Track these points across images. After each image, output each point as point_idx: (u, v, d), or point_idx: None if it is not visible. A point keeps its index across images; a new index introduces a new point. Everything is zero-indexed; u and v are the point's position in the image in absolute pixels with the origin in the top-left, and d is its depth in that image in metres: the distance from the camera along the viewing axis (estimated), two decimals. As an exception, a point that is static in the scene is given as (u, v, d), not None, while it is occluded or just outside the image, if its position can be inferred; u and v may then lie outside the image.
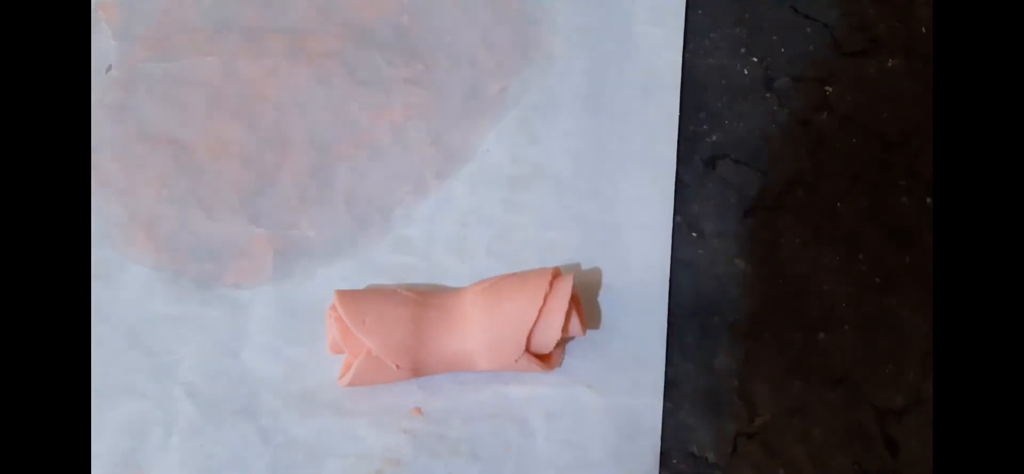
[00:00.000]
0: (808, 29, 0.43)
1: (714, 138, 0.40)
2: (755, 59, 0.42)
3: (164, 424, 0.34)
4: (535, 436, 0.34)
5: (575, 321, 0.34)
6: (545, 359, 0.34)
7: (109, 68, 0.42)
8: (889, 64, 0.42)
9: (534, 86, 0.42)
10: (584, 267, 0.37)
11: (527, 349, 0.33)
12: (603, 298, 0.37)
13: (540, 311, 0.33)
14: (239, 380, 0.35)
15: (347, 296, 0.34)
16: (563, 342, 0.35)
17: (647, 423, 0.34)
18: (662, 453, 0.34)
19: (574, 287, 0.35)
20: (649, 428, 0.34)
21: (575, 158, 0.40)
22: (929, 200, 0.39)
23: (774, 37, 0.43)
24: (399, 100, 0.42)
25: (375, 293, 0.34)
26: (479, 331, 0.33)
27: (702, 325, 0.37)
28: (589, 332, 0.35)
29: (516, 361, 0.34)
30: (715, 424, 0.35)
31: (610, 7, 0.44)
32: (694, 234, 0.38)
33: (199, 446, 0.34)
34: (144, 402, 0.35)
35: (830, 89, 0.42)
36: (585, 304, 0.36)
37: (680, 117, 0.41)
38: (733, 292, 0.38)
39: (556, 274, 0.34)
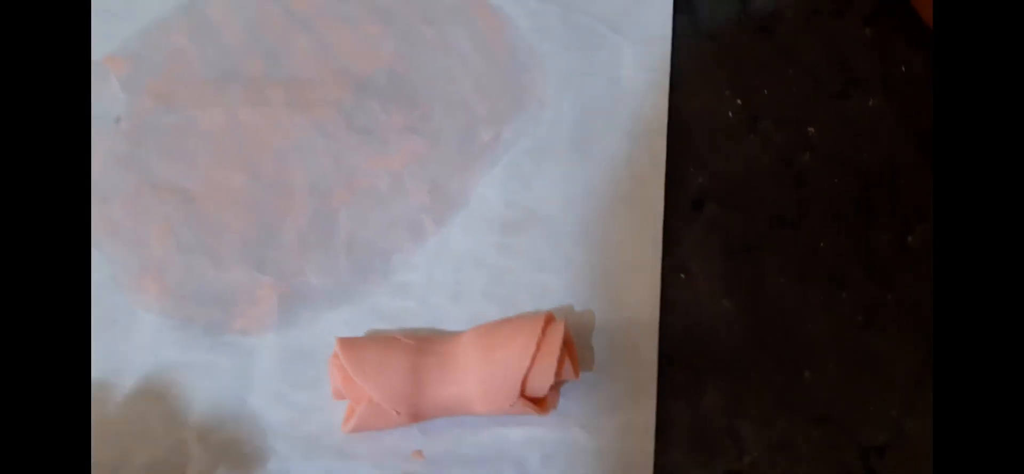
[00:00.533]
0: (790, 71, 0.44)
1: (700, 181, 0.42)
2: (739, 101, 0.43)
3: (177, 469, 0.36)
4: (531, 475, 0.36)
5: (568, 365, 0.36)
6: (540, 403, 0.36)
7: (118, 119, 0.44)
8: (870, 104, 0.43)
9: (526, 132, 0.43)
10: (576, 309, 0.39)
11: (522, 394, 0.35)
12: (595, 340, 0.38)
13: (533, 357, 0.35)
14: (247, 424, 0.37)
15: (348, 345, 0.35)
16: (557, 385, 0.36)
17: (639, 463, 0.36)
18: None
19: (567, 331, 0.36)
20: (641, 468, 0.36)
21: (566, 202, 0.41)
22: (910, 238, 0.41)
23: (757, 80, 0.44)
24: (396, 147, 0.43)
25: (375, 341, 0.36)
26: (475, 378, 0.35)
27: (690, 365, 0.38)
28: (583, 374, 0.37)
29: (511, 406, 0.35)
30: (705, 462, 0.37)
31: (597, 53, 0.45)
32: (682, 275, 0.40)
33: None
34: (157, 448, 0.36)
35: (812, 129, 0.43)
36: (578, 346, 0.38)
37: (667, 159, 0.42)
38: (720, 332, 0.39)
39: (549, 319, 0.36)
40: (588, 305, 0.39)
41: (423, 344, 0.36)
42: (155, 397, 0.37)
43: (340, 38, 0.47)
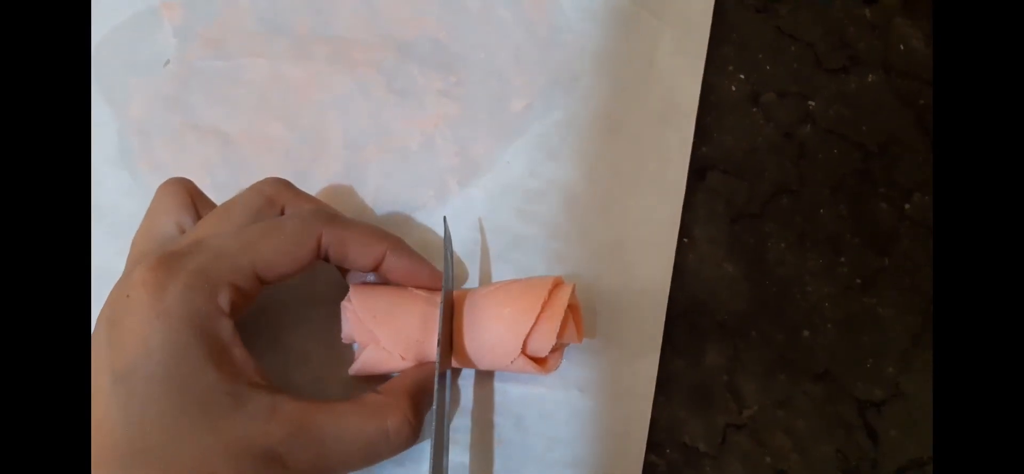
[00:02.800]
0: (792, 48, 0.45)
1: (703, 150, 0.43)
2: (742, 76, 0.45)
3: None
4: (527, 432, 0.36)
5: (572, 328, 0.36)
6: (541, 362, 0.36)
7: (167, 62, 0.46)
8: (869, 79, 0.44)
9: (557, 105, 0.44)
10: (587, 279, 0.39)
11: (524, 351, 0.35)
12: (603, 308, 0.39)
13: (537, 316, 0.35)
14: (262, 361, 0.38)
15: (362, 290, 0.36)
16: (560, 347, 0.37)
17: (634, 429, 0.36)
18: (656, 444, 0.37)
19: (575, 296, 0.37)
20: (636, 434, 0.36)
21: (589, 176, 0.42)
22: (907, 207, 0.42)
23: (759, 55, 0.45)
24: (431, 110, 0.44)
25: (388, 289, 0.37)
26: (481, 331, 0.36)
27: (693, 324, 0.39)
28: (587, 340, 0.38)
29: (512, 362, 0.36)
30: (705, 416, 0.38)
31: (637, 34, 0.46)
32: (685, 240, 0.41)
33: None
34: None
35: (813, 103, 0.44)
36: (585, 313, 0.38)
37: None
38: (722, 293, 0.40)
39: (557, 283, 0.37)
40: (600, 275, 0.39)
41: (434, 296, 0.36)
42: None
43: (388, 2, 0.48)
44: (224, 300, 0.31)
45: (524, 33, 0.47)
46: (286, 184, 0.36)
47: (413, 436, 0.33)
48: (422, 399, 0.34)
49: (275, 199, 0.35)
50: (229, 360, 0.30)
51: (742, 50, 0.45)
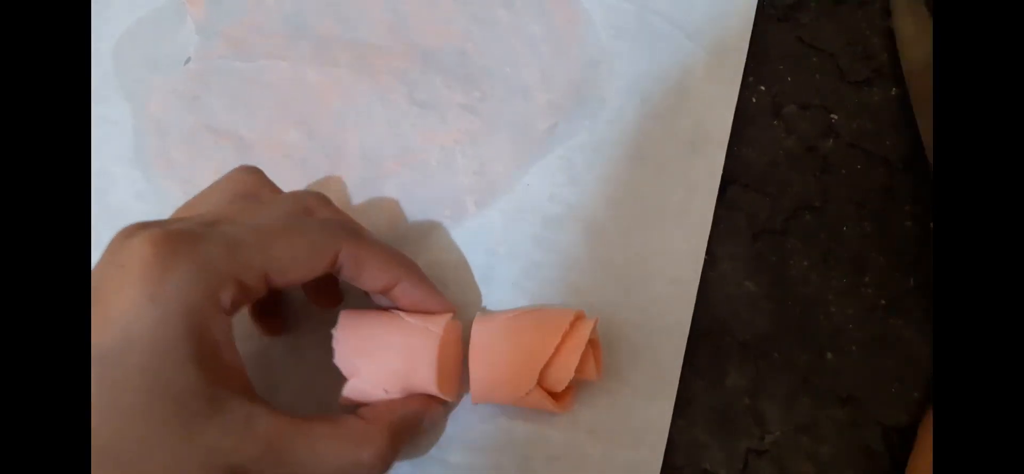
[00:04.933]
0: (814, 59, 0.44)
1: (724, 163, 0.42)
2: (763, 87, 0.44)
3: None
4: None
5: (591, 364, 0.35)
6: (558, 398, 0.35)
7: (188, 60, 0.45)
8: (892, 92, 0.43)
9: (583, 128, 0.43)
10: (604, 314, 0.38)
11: (540, 384, 0.34)
12: (619, 348, 0.37)
13: (557, 348, 0.34)
14: (265, 374, 0.37)
15: (350, 318, 0.35)
16: (575, 384, 0.36)
17: (643, 478, 0.35)
18: (675, 469, 0.36)
19: (594, 332, 0.35)
20: (645, 484, 0.35)
21: (611, 204, 0.40)
22: (932, 225, 0.40)
23: (781, 67, 0.44)
24: (452, 125, 0.43)
25: (378, 319, 0.35)
26: (494, 360, 0.34)
27: (714, 345, 0.38)
28: (600, 381, 0.36)
29: (527, 395, 0.34)
30: (727, 441, 0.36)
31: (670, 58, 0.44)
32: (706, 257, 0.40)
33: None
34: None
35: (836, 116, 0.43)
36: (602, 352, 0.37)
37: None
38: (743, 313, 0.39)
39: (579, 316, 0.35)
40: (618, 312, 0.38)
41: (429, 325, 0.35)
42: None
43: (415, 9, 0.47)
44: (227, 297, 0.28)
45: (553, 50, 0.45)
46: (325, 200, 0.34)
47: (385, 470, 0.32)
48: (403, 433, 0.33)
49: (313, 211, 0.33)
50: (216, 362, 0.28)
51: (763, 60, 0.44)
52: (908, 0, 0.44)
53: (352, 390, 0.34)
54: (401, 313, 0.35)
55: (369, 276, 0.33)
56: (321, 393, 0.36)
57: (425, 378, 0.34)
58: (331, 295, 0.38)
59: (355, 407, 0.34)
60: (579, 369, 0.34)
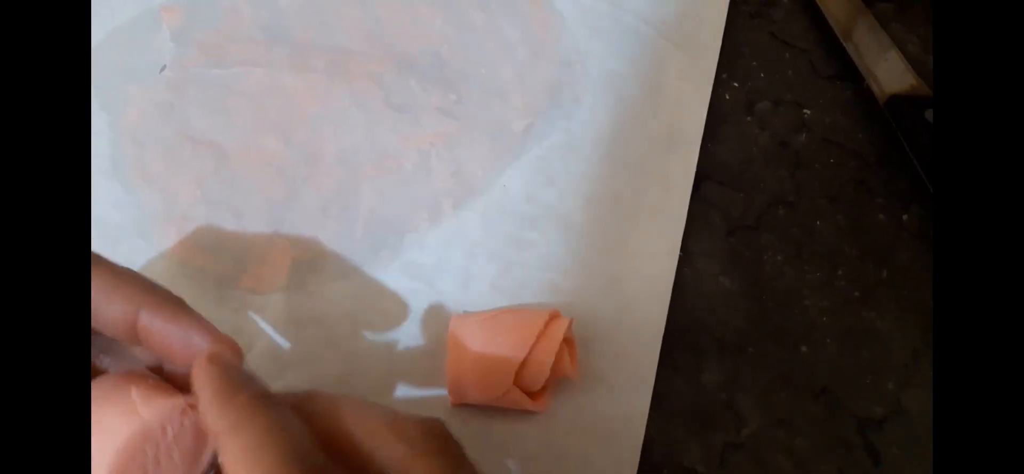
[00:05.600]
0: (786, 54, 0.45)
1: (698, 160, 0.42)
2: (736, 84, 0.45)
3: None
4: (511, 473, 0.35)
5: (567, 363, 0.35)
6: (535, 397, 0.35)
7: (163, 68, 0.45)
8: (864, 87, 0.44)
9: (558, 128, 0.43)
10: (581, 312, 0.38)
11: (516, 383, 0.34)
12: (595, 346, 0.37)
13: (532, 347, 0.34)
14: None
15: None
16: (552, 383, 0.36)
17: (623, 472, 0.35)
18: (653, 466, 0.36)
19: (570, 331, 0.36)
20: (624, 475, 0.35)
21: (588, 203, 0.41)
22: (905, 217, 0.41)
23: (754, 63, 0.45)
24: (428, 127, 0.43)
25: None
26: (471, 360, 0.35)
27: (689, 341, 0.38)
28: (577, 380, 0.36)
29: (505, 394, 0.35)
30: (704, 436, 0.37)
31: (644, 58, 0.44)
32: (682, 253, 0.40)
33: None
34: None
35: (808, 112, 0.44)
36: (578, 350, 0.37)
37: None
38: (719, 309, 0.39)
39: (554, 315, 0.36)
40: (594, 310, 0.38)
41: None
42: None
43: (391, 14, 0.47)
44: None
45: (528, 52, 0.46)
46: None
47: None
48: None
49: None
50: None
51: (736, 57, 0.45)
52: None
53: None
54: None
55: (105, 298, 0.27)
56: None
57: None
58: None
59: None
60: (555, 368, 0.34)
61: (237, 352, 0.28)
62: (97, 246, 0.39)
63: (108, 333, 0.28)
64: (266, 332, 0.38)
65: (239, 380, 0.25)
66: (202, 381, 0.25)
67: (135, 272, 0.28)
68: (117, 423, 0.25)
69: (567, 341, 0.35)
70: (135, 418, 0.25)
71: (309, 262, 0.40)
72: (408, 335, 0.38)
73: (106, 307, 0.27)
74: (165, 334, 0.27)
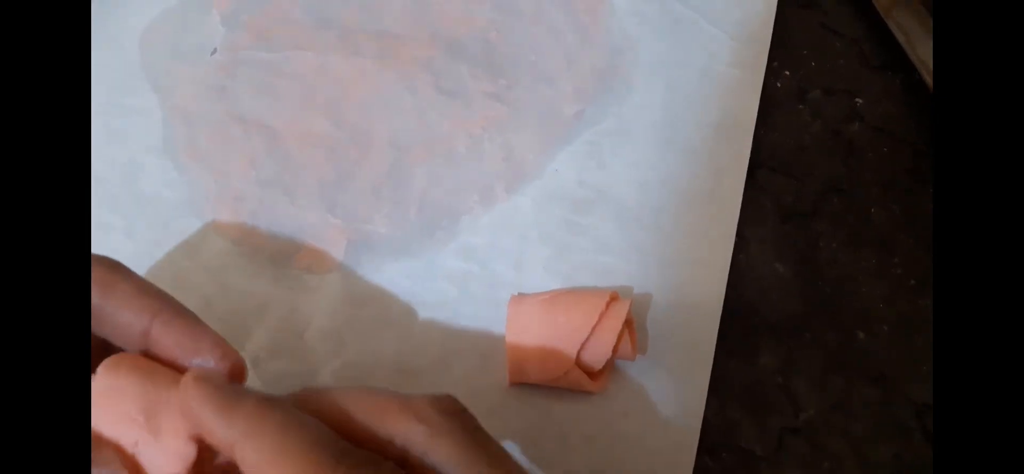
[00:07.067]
0: (837, 44, 0.45)
1: (752, 147, 0.42)
2: (787, 73, 0.45)
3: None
4: (571, 453, 0.35)
5: (627, 343, 0.35)
6: (595, 377, 0.35)
7: (214, 51, 0.45)
8: (914, 77, 0.44)
9: (609, 113, 0.43)
10: (637, 295, 0.38)
11: (577, 363, 0.34)
12: (651, 329, 0.37)
13: (594, 327, 0.34)
14: (301, 358, 0.37)
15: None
16: (611, 364, 0.36)
17: (681, 459, 0.35)
18: (710, 447, 0.36)
19: (630, 312, 0.36)
20: (682, 468, 0.35)
21: (640, 188, 0.41)
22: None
23: (804, 52, 0.45)
24: (479, 112, 0.43)
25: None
26: (531, 340, 0.35)
27: (745, 326, 0.38)
28: (633, 362, 0.36)
29: (565, 374, 0.35)
30: (760, 419, 0.37)
31: (694, 45, 0.45)
32: (736, 239, 0.40)
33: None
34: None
35: (860, 100, 0.44)
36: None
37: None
38: (773, 294, 0.39)
39: (613, 297, 0.36)
40: (649, 293, 0.38)
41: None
42: (216, 318, 0.38)
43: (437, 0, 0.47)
44: None
45: (577, 37, 0.46)
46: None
47: None
48: None
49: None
50: None
51: (786, 46, 0.45)
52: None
53: None
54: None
55: (123, 306, 0.28)
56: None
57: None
58: None
59: None
60: (616, 348, 0.35)
61: (240, 369, 0.28)
62: (148, 225, 0.40)
63: (118, 342, 0.28)
64: (322, 311, 0.38)
65: (237, 390, 0.26)
66: (199, 400, 0.25)
67: (149, 283, 0.29)
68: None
69: (627, 322, 0.35)
70: None
71: (364, 242, 0.40)
72: (464, 315, 0.38)
73: (121, 314, 0.28)
74: (176, 344, 0.28)
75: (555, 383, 0.35)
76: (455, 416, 0.26)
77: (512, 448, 0.35)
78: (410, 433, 0.25)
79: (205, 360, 0.28)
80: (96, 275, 0.27)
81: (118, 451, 0.26)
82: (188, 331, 0.28)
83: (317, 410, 0.26)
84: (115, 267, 0.29)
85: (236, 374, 0.28)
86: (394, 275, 0.39)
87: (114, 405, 0.26)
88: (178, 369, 0.27)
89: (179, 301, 0.29)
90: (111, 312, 0.27)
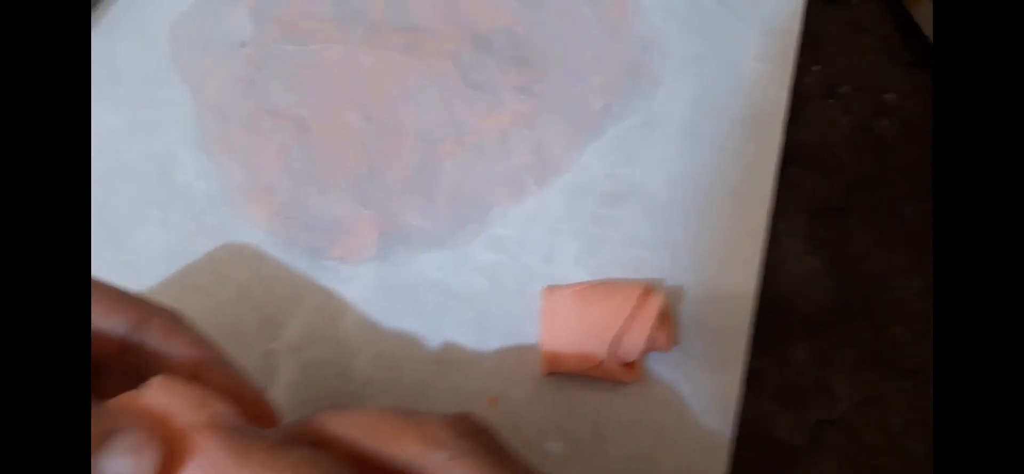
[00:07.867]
0: (865, 40, 0.45)
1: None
2: (816, 68, 0.45)
3: (266, 376, 0.37)
4: (606, 443, 0.35)
5: (661, 334, 0.35)
6: (629, 368, 0.36)
7: (243, 44, 0.46)
8: None
9: (638, 108, 0.43)
10: (669, 288, 0.38)
11: (611, 354, 0.35)
12: (685, 322, 0.38)
13: (628, 318, 0.35)
14: (336, 347, 0.37)
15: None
16: (645, 355, 0.36)
17: (716, 449, 0.35)
18: (745, 438, 0.36)
19: (665, 303, 0.36)
20: (717, 457, 0.35)
21: (669, 182, 0.41)
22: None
23: (833, 48, 0.45)
24: (508, 106, 0.44)
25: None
26: (565, 330, 0.35)
27: (778, 319, 0.39)
28: (667, 354, 0.37)
29: (599, 365, 0.35)
30: (795, 412, 0.37)
31: (722, 40, 0.45)
32: (768, 234, 0.40)
33: (298, 400, 0.37)
34: (249, 354, 0.37)
35: (889, 96, 0.44)
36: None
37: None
38: (806, 289, 0.40)
39: (648, 289, 0.36)
40: (682, 285, 0.39)
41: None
42: (252, 307, 0.38)
43: (464, -6, 0.48)
44: None
45: (604, 31, 0.46)
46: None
47: None
48: None
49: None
50: None
51: (814, 41, 0.45)
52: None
53: None
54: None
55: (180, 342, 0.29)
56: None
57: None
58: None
59: None
60: (650, 340, 0.35)
61: (266, 413, 0.29)
62: (182, 216, 0.40)
63: (95, 352, 0.27)
64: (356, 301, 0.38)
65: (249, 435, 0.25)
66: (214, 447, 0.25)
67: (126, 291, 0.29)
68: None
69: (661, 313, 0.35)
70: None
71: (396, 234, 0.40)
72: (495, 306, 0.38)
73: (101, 321, 0.28)
74: (165, 347, 0.28)
75: (589, 373, 0.36)
76: (474, 437, 0.25)
77: (546, 435, 0.36)
78: (430, 459, 0.25)
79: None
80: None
81: None
82: (177, 334, 0.29)
83: (330, 441, 0.26)
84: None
85: (261, 415, 0.28)
86: (426, 266, 0.39)
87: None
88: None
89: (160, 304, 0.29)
90: (180, 333, 0.28)
